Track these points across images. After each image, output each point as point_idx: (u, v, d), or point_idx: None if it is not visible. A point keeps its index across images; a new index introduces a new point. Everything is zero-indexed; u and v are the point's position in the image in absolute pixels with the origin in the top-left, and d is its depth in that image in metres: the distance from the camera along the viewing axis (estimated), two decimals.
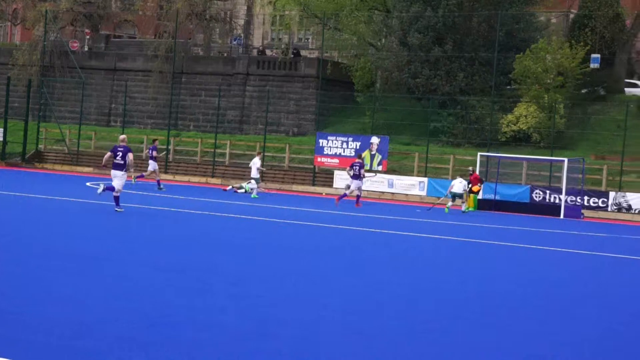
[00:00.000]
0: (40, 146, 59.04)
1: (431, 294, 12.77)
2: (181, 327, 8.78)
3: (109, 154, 24.34)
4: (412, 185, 46.19)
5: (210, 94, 59.77)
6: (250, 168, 38.86)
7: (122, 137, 25.44)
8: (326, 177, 50.33)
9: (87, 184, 39.01)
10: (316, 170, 50.96)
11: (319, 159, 50.17)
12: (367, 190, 47.17)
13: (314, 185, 49.91)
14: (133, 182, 38.81)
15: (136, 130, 59.36)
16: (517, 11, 53.66)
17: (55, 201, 27.11)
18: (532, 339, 9.71)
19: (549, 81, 50.30)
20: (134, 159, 25.30)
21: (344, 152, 49.32)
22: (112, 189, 23.74)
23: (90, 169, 53.94)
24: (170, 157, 55.25)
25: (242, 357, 7.79)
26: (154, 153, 39.43)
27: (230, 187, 42.48)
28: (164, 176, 52.41)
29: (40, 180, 40.98)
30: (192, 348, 7.93)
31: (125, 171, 23.86)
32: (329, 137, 50.11)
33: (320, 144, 49.88)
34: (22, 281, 10.94)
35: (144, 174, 40.60)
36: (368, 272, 14.76)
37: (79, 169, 54.60)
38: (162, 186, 37.52)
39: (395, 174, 47.78)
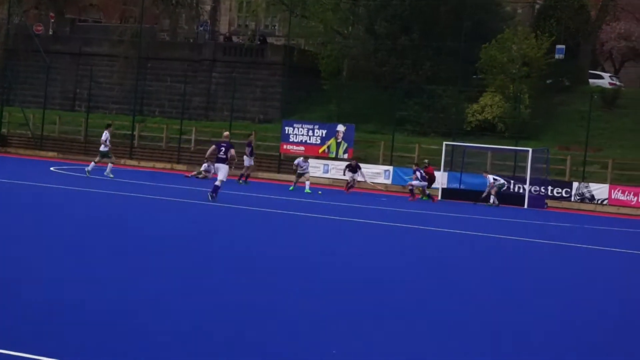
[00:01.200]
0: (3, 130, 58.48)
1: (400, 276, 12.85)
2: None
3: (213, 147, 26.92)
4: (377, 174, 46.28)
5: (176, 80, 59.46)
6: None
7: (225, 133, 28.44)
8: (292, 164, 50.23)
9: (52, 168, 38.78)
10: (282, 157, 50.90)
11: (285, 147, 50.13)
12: (333, 178, 47.27)
13: (279, 172, 49.86)
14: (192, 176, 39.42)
15: (101, 115, 58.95)
16: (483, 1, 53.91)
17: (24, 186, 26.92)
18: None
19: (514, 71, 50.57)
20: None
21: (309, 139, 49.31)
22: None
23: (54, 154, 53.55)
24: (135, 142, 54.97)
25: None
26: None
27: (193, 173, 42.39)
28: (128, 162, 52.29)
29: (3, 165, 40.63)
30: None
31: (227, 164, 26.11)
32: (295, 125, 50.07)
33: (286, 132, 49.84)
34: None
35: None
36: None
37: (43, 153, 54.18)
38: (240, 181, 38.82)
39: (361, 163, 47.79)
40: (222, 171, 25.99)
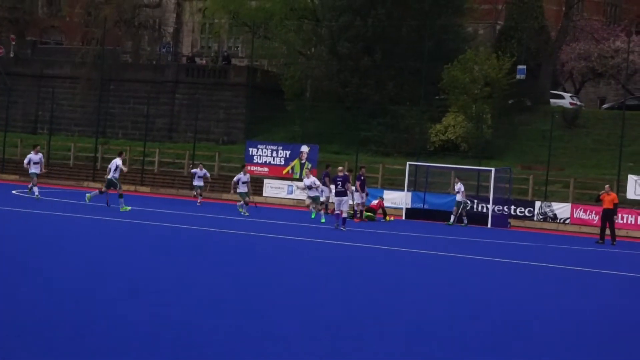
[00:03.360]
0: None
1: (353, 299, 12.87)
2: None
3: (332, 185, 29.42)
4: None
5: (139, 102, 59.30)
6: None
7: (340, 168, 30.82)
8: (256, 185, 50.16)
9: (14, 191, 38.48)
10: None
11: (248, 168, 49.99)
12: (297, 199, 47.27)
13: None
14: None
15: (63, 138, 58.67)
16: (445, 22, 54.29)
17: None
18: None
19: (476, 91, 50.96)
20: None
21: (273, 160, 49.35)
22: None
23: (16, 177, 53.08)
24: (99, 165, 54.65)
25: None
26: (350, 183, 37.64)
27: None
28: (91, 184, 51.94)
29: None
30: None
31: (345, 196, 28.58)
32: (258, 146, 50.10)
33: (250, 153, 49.85)
34: None
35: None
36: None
37: (4, 176, 53.71)
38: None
39: None
40: (345, 204, 28.53)
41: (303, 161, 48.68)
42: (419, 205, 42.93)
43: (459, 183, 38.74)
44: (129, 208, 29.79)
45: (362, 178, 35.97)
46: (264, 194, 48.41)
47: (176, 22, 69.32)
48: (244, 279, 14.71)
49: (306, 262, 18.79)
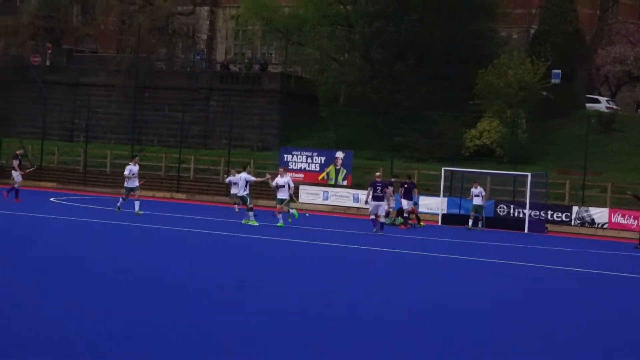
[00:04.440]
0: (2, 161, 58.48)
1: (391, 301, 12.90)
2: None
3: (370, 188, 29.23)
4: None
5: (173, 109, 59.68)
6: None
7: (377, 174, 31.20)
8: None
9: (52, 199, 38.81)
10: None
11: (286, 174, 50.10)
12: (333, 205, 47.39)
13: None
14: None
15: (99, 146, 59.13)
16: (478, 26, 54.25)
17: (25, 217, 26.96)
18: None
19: (511, 96, 50.82)
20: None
21: (308, 166, 49.44)
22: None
23: (53, 184, 53.56)
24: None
25: None
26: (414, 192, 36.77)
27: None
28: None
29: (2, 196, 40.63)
30: None
31: (385, 202, 29.05)
32: (293, 152, 50.21)
33: (285, 159, 49.96)
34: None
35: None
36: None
37: (42, 184, 54.16)
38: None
39: (360, 189, 47.77)
40: (382, 208, 28.91)
41: (338, 167, 48.75)
42: (455, 211, 42.82)
43: (479, 187, 38.38)
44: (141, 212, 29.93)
45: (406, 185, 36.01)
46: (300, 200, 48.44)
47: (210, 29, 69.68)
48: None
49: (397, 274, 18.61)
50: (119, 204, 31.53)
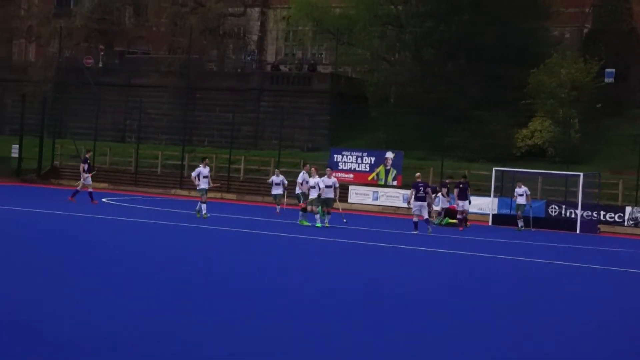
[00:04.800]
0: (55, 162, 59.19)
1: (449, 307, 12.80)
2: None
3: (413, 190, 29.97)
4: None
5: (224, 110, 59.93)
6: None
7: (418, 174, 31.84)
8: (341, 192, 50.16)
9: (104, 199, 39.10)
10: None
11: (333, 174, 49.98)
12: (382, 206, 47.25)
13: None
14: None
15: (151, 146, 59.51)
16: (530, 26, 53.77)
17: (79, 218, 27.19)
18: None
19: (563, 96, 50.33)
20: None
21: (358, 167, 49.34)
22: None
23: (105, 185, 54.01)
24: (185, 172, 55.31)
25: None
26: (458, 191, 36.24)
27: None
28: (179, 192, 52.64)
29: (56, 196, 41.06)
30: None
31: (425, 202, 29.63)
32: (343, 152, 50.11)
33: (335, 159, 49.89)
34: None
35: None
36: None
37: (94, 184, 54.46)
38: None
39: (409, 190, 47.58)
40: (424, 209, 29.66)
41: (388, 167, 48.59)
42: (506, 211, 42.42)
43: (523, 186, 37.73)
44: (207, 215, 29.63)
45: (461, 185, 35.39)
46: (349, 201, 48.39)
47: (260, 30, 69.85)
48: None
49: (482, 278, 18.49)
50: (197, 207, 30.53)
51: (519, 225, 37.11)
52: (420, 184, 30.01)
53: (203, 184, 30.56)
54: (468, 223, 36.66)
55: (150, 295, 12.09)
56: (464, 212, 35.15)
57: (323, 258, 19.71)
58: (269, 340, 9.40)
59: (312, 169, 31.89)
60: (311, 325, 10.55)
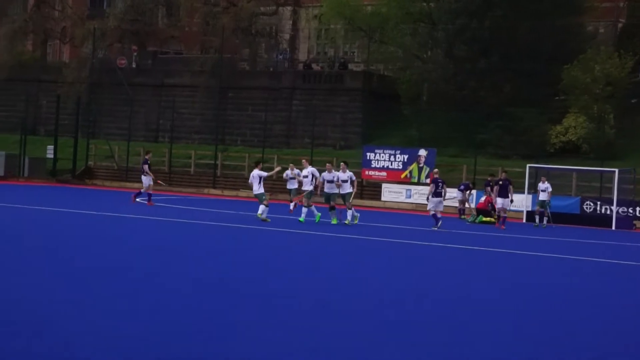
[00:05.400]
0: (89, 162, 59.57)
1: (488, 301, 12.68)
2: None
3: (432, 185, 30.35)
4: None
5: (256, 109, 60.02)
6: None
7: (435, 170, 32.87)
8: (374, 190, 50.23)
9: (138, 199, 39.24)
10: (364, 183, 50.89)
11: (366, 172, 50.07)
12: (415, 203, 47.10)
13: (361, 198, 49.79)
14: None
15: (184, 146, 59.71)
16: (564, 21, 53.38)
17: (113, 217, 27.31)
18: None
19: (597, 91, 49.92)
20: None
21: (391, 165, 49.23)
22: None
23: (139, 185, 54.21)
24: (218, 172, 55.51)
25: None
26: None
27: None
28: (212, 191, 52.78)
29: (91, 197, 41.33)
30: None
31: (440, 197, 30.01)
32: (376, 150, 50.02)
33: (368, 157, 49.80)
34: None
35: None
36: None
37: (128, 184, 54.95)
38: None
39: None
40: (441, 204, 30.18)
41: (421, 165, 48.44)
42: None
43: (546, 182, 36.99)
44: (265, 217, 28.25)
45: (500, 182, 34.34)
46: (383, 199, 48.35)
47: (292, 29, 69.87)
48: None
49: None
50: (300, 212, 29.18)
51: (537, 221, 36.56)
52: (439, 180, 30.46)
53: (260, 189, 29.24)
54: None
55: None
56: (504, 210, 34.07)
57: (417, 264, 19.31)
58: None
59: (304, 160, 31.95)
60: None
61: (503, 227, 33.11)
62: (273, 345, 8.83)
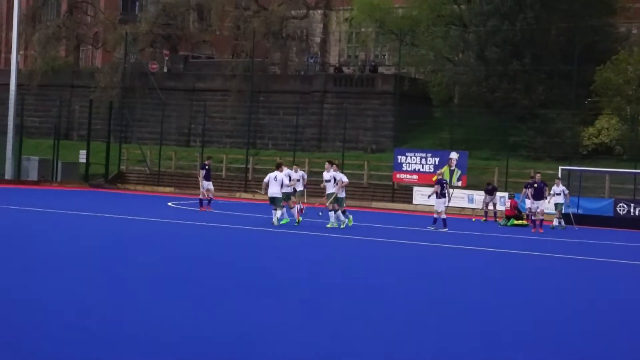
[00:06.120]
0: (122, 167, 59.91)
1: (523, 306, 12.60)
2: None
3: (437, 186, 30.15)
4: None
5: (288, 112, 60.12)
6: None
7: (439, 171, 34.55)
8: (405, 193, 50.13)
9: (169, 203, 39.43)
10: (395, 186, 50.82)
11: (397, 175, 49.98)
12: (447, 206, 46.83)
13: (392, 201, 49.75)
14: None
15: (215, 150, 59.88)
16: (596, 22, 53.04)
17: (145, 222, 27.41)
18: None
19: (630, 92, 49.55)
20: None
21: (422, 168, 49.09)
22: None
23: (171, 189, 54.53)
24: (250, 175, 55.62)
25: None
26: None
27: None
28: (244, 195, 52.87)
29: (123, 200, 41.55)
30: None
31: (444, 198, 30.30)
32: (407, 153, 49.92)
33: (399, 160, 49.70)
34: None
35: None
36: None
37: (160, 189, 55.23)
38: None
39: (476, 190, 47.18)
40: (445, 205, 30.32)
41: (452, 168, 48.24)
42: (573, 210, 41.85)
43: (560, 184, 36.11)
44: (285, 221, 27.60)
45: (535, 185, 33.39)
46: (414, 202, 48.20)
47: (323, 33, 69.94)
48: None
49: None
50: (334, 221, 27.92)
51: (554, 224, 35.87)
52: (444, 181, 31.17)
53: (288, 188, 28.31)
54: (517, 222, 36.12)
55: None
56: (540, 213, 33.10)
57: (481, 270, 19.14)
58: None
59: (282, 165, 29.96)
60: None
61: (541, 230, 32.41)
62: None
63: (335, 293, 13.03)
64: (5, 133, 54.79)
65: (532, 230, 32.60)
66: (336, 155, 54.26)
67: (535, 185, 33.50)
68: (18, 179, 53.99)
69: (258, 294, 12.43)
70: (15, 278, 12.67)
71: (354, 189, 51.95)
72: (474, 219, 39.91)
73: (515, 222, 36.27)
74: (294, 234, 24.60)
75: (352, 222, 28.19)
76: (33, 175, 54.94)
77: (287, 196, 28.17)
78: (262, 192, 27.82)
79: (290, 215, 28.55)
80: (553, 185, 35.47)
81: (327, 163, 29.73)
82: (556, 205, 35.81)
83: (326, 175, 28.71)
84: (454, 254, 21.89)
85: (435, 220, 30.13)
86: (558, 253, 23.58)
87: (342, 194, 28.08)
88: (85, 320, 9.56)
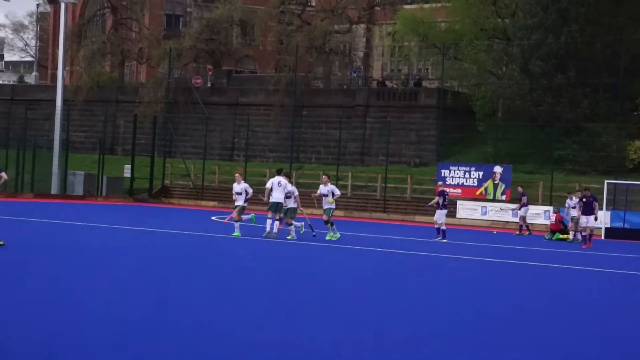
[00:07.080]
0: (166, 181, 60.23)
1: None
2: None
3: (439, 198, 30.46)
4: (537, 215, 45.25)
5: (330, 127, 60.13)
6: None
7: (440, 183, 35.51)
8: (450, 207, 49.75)
9: (213, 217, 39.55)
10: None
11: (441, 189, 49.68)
12: (491, 220, 46.68)
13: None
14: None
15: (258, 164, 60.02)
16: None
17: (188, 236, 27.51)
18: None
19: None
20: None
21: (466, 181, 48.90)
22: None
23: (214, 203, 54.70)
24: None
25: None
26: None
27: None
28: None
29: (167, 215, 41.75)
30: None
31: (445, 209, 30.73)
32: (451, 167, 49.73)
33: (443, 174, 49.51)
34: None
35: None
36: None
37: (203, 203, 55.43)
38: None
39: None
40: (442, 216, 30.27)
41: (496, 182, 48.02)
42: (619, 225, 41.48)
43: (574, 198, 35.15)
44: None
45: (584, 200, 32.64)
46: (457, 215, 47.96)
47: (366, 47, 70.00)
48: None
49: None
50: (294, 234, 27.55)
51: (571, 237, 35.31)
52: (445, 193, 31.80)
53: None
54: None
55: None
56: (591, 228, 32.45)
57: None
58: None
59: (237, 174, 29.90)
60: None
61: (590, 244, 31.85)
62: None
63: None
64: (51, 148, 55.28)
65: (584, 247, 31.76)
66: (379, 169, 54.28)
67: (585, 200, 32.88)
68: (64, 193, 54.43)
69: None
70: (103, 294, 12.83)
71: (397, 203, 51.92)
72: (494, 232, 39.93)
73: (560, 236, 35.95)
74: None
75: (339, 236, 27.93)
76: (79, 190, 55.35)
77: (293, 211, 27.41)
78: (265, 199, 27.14)
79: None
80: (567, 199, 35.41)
81: (324, 177, 29.66)
82: (572, 218, 35.27)
83: (323, 189, 28.48)
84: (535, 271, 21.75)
85: (438, 230, 30.46)
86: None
87: (294, 205, 27.28)
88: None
